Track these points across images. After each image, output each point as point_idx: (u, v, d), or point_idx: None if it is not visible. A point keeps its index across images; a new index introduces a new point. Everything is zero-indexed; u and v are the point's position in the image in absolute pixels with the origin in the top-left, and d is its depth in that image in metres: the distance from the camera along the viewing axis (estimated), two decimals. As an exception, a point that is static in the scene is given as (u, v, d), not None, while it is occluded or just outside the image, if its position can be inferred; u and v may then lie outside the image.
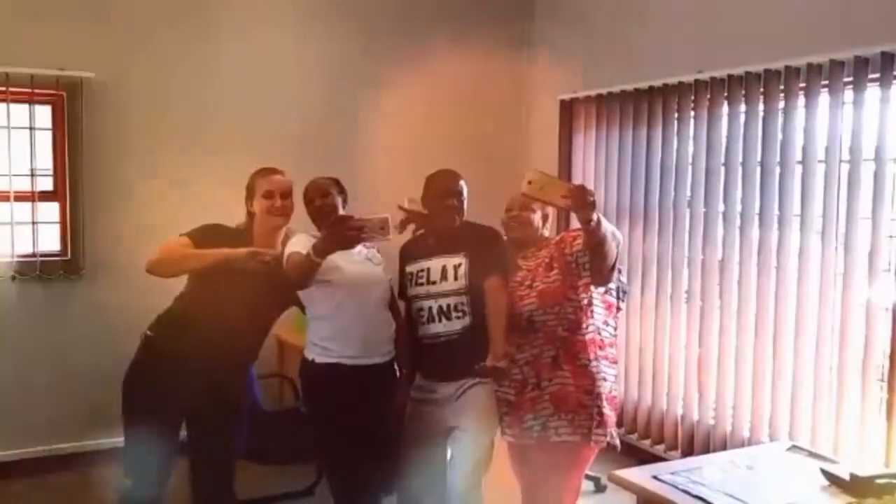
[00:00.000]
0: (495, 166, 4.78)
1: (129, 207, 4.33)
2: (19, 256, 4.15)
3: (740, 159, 3.99)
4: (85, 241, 4.27)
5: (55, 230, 4.30)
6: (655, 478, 2.56)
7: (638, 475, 2.61)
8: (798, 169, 3.74)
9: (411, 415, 2.93)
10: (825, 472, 2.55)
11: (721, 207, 4.10)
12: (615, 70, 4.70)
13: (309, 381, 2.88)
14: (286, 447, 3.57)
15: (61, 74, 4.12)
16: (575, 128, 5.05)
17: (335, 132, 4.83)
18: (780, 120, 3.81)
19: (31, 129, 4.16)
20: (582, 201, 2.37)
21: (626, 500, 2.77)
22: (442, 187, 2.88)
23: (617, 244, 2.60)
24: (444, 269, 2.84)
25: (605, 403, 2.72)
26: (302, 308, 2.94)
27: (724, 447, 3.96)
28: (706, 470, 2.65)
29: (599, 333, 2.77)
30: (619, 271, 2.81)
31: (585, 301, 2.74)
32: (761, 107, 3.90)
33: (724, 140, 4.10)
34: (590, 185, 2.87)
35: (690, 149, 4.29)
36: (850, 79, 3.49)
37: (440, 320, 2.82)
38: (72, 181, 4.23)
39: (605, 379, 2.75)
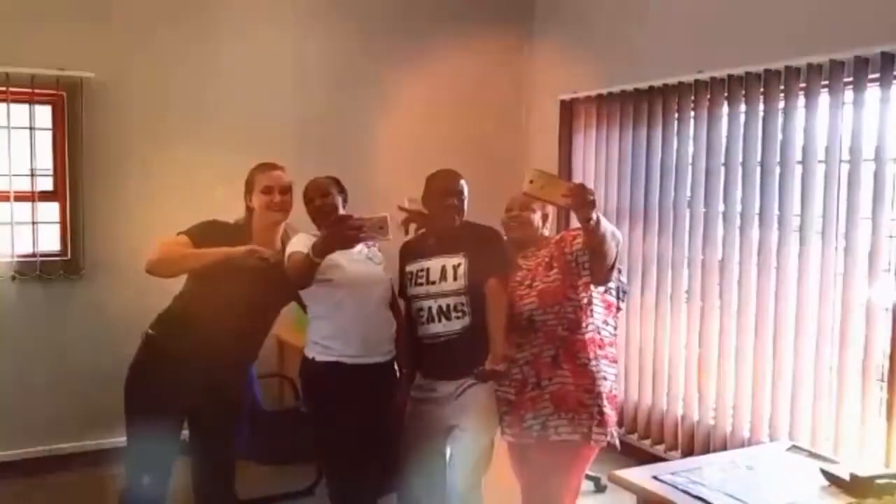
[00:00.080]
0: (495, 166, 4.77)
1: (129, 207, 4.33)
2: (19, 256, 4.15)
3: (740, 159, 3.99)
4: (85, 241, 4.27)
5: (55, 230, 4.30)
6: (655, 478, 2.56)
7: (638, 475, 2.61)
8: (798, 169, 3.74)
9: (411, 414, 2.93)
10: (825, 473, 2.55)
11: (721, 207, 4.10)
12: (615, 70, 4.70)
13: (309, 380, 2.88)
14: (286, 447, 3.58)
15: (61, 74, 4.12)
16: (575, 128, 5.05)
17: (335, 132, 4.83)
18: (780, 120, 3.81)
19: (32, 129, 4.16)
20: (582, 200, 2.37)
21: (626, 500, 2.77)
22: (442, 186, 2.88)
23: (617, 243, 2.60)
24: (443, 269, 2.84)
25: (605, 402, 2.72)
26: (302, 304, 2.95)
27: (724, 447, 3.96)
28: (706, 470, 2.64)
29: (599, 333, 2.78)
30: (619, 271, 2.81)
31: (585, 300, 2.74)
32: (761, 107, 3.89)
33: (724, 140, 4.10)
34: (590, 185, 2.87)
35: (690, 149, 4.29)
36: (850, 79, 3.49)
37: (440, 320, 2.82)
38: (72, 181, 4.23)
39: (605, 378, 2.75)
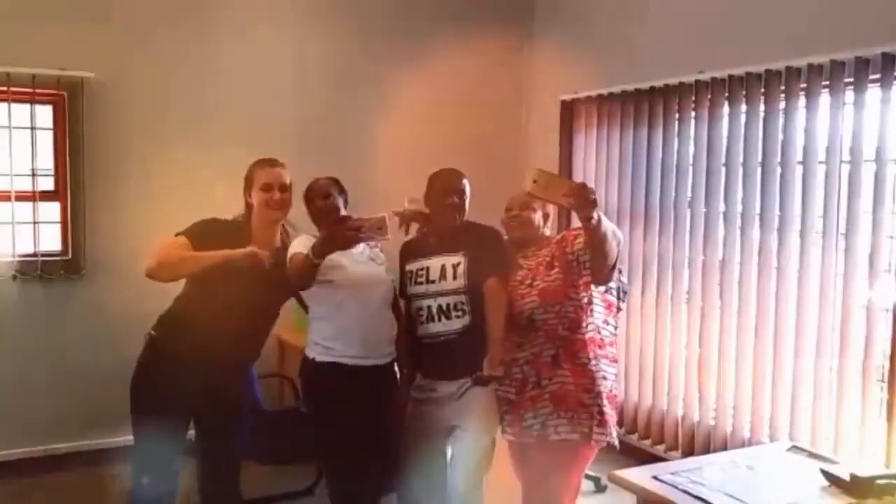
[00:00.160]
0: (495, 166, 4.77)
1: (129, 207, 4.33)
2: (20, 256, 4.15)
3: (741, 160, 3.99)
4: (86, 241, 4.27)
5: (56, 230, 4.30)
6: (656, 478, 2.56)
7: (638, 475, 2.61)
8: (799, 169, 3.74)
9: (412, 414, 2.93)
10: (825, 473, 2.55)
11: (722, 208, 4.10)
12: (616, 70, 4.70)
13: (309, 381, 2.88)
14: (286, 447, 3.57)
15: (62, 74, 4.12)
16: (575, 128, 5.05)
17: (335, 132, 4.83)
18: (780, 120, 3.81)
19: (33, 128, 4.16)
20: (583, 199, 2.37)
21: (626, 500, 2.77)
22: (445, 185, 2.88)
23: (618, 243, 2.60)
24: (443, 268, 2.84)
25: (605, 402, 2.72)
26: (303, 304, 2.95)
27: (724, 447, 3.96)
28: (706, 470, 2.64)
29: (599, 332, 2.78)
30: (620, 271, 2.81)
31: (586, 300, 2.74)
32: (762, 107, 3.89)
33: (724, 140, 4.10)
34: (591, 186, 2.86)
35: (691, 149, 4.29)
36: (851, 79, 3.49)
37: (439, 319, 2.82)
38: (73, 181, 4.23)
39: (605, 378, 2.75)
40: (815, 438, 3.61)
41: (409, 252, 2.98)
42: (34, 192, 4.17)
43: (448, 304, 2.81)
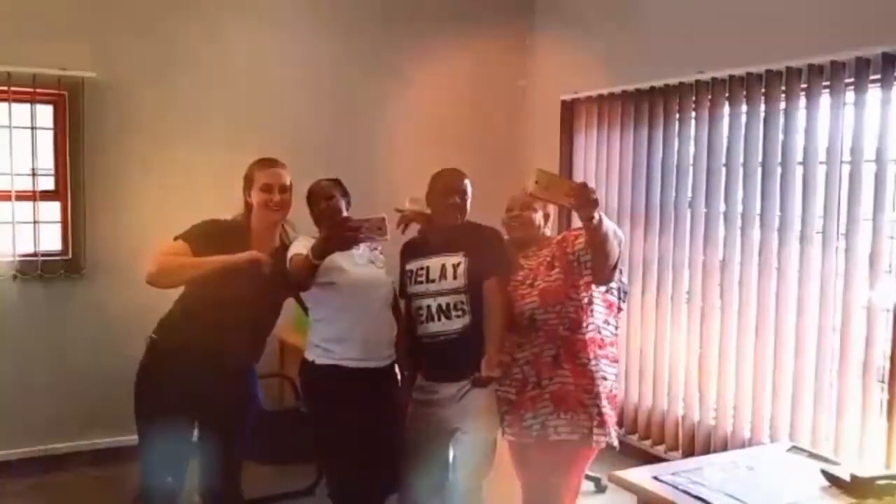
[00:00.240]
0: (496, 166, 4.77)
1: (130, 207, 4.33)
2: (20, 256, 4.15)
3: (741, 160, 3.99)
4: (86, 241, 4.27)
5: (56, 230, 4.30)
6: (656, 478, 2.55)
7: (638, 476, 2.60)
8: (799, 170, 3.74)
9: (413, 416, 2.93)
10: (826, 473, 2.55)
11: (722, 208, 4.10)
12: (616, 70, 4.70)
13: (309, 383, 2.89)
14: (286, 447, 3.57)
15: (63, 74, 4.13)
16: (576, 128, 5.05)
17: (336, 132, 4.83)
18: (781, 121, 3.81)
19: (33, 128, 4.16)
20: (584, 199, 2.37)
21: (626, 500, 2.76)
22: (447, 185, 2.89)
23: (619, 243, 2.59)
24: (443, 268, 2.84)
25: (605, 403, 2.72)
26: (303, 306, 2.94)
27: (724, 448, 3.96)
28: (707, 470, 2.64)
29: (600, 332, 2.77)
30: (620, 271, 2.81)
31: (586, 300, 2.74)
32: (762, 107, 3.90)
33: (725, 141, 4.10)
34: (591, 186, 2.86)
35: (691, 149, 4.29)
36: (852, 80, 3.49)
37: (439, 319, 2.82)
38: (73, 181, 4.23)
39: (605, 378, 2.75)
40: (815, 439, 3.61)
41: (410, 251, 2.98)
42: (34, 192, 4.17)
43: (448, 304, 2.81)
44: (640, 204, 4.55)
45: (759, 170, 3.91)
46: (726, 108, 4.09)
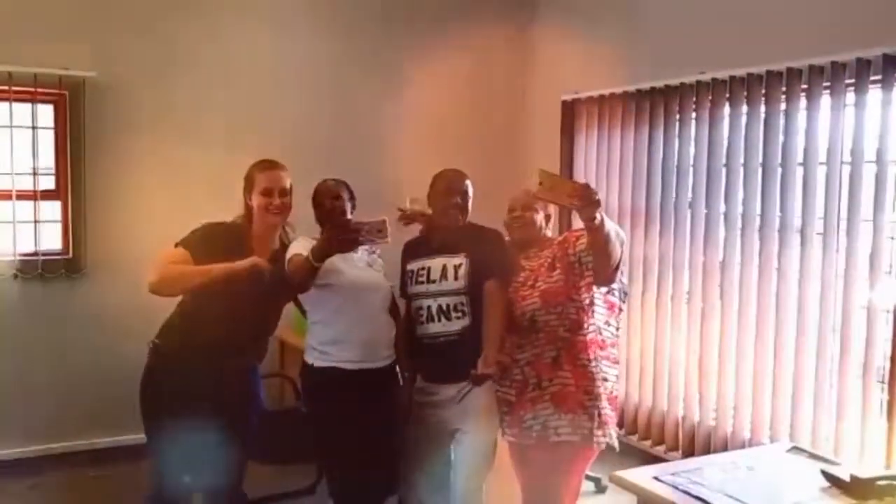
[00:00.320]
0: (496, 167, 4.77)
1: (130, 206, 4.33)
2: (21, 255, 4.16)
3: (742, 161, 3.99)
4: (87, 240, 4.28)
5: (57, 229, 4.30)
6: (656, 479, 2.55)
7: (639, 476, 2.60)
8: (799, 171, 3.74)
9: (414, 417, 2.92)
10: (826, 474, 2.55)
11: (722, 209, 4.10)
12: (617, 71, 4.70)
13: (308, 385, 2.89)
14: (287, 447, 3.57)
15: (64, 74, 4.13)
16: (577, 128, 5.05)
17: (336, 132, 4.83)
18: (781, 121, 3.81)
19: (34, 128, 4.16)
20: (587, 200, 2.37)
21: (626, 501, 2.76)
22: (447, 185, 2.88)
23: (621, 244, 2.59)
24: (444, 269, 2.84)
25: (605, 404, 2.72)
26: (302, 309, 2.94)
27: (724, 448, 3.96)
28: (707, 471, 2.64)
29: (600, 333, 2.77)
30: (621, 272, 2.81)
31: (587, 301, 2.73)
32: (763, 108, 3.90)
33: (725, 141, 4.10)
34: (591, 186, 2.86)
35: (692, 150, 4.29)
36: (852, 80, 3.49)
37: (439, 319, 2.82)
38: (73, 180, 4.24)
39: (605, 379, 2.74)
40: (815, 439, 3.61)
41: (411, 251, 2.98)
42: (35, 192, 4.18)
43: (448, 305, 2.81)
44: (641, 204, 4.55)
45: (760, 170, 3.91)
46: (727, 109, 4.09)
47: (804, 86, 3.69)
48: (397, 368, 2.92)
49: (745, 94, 3.95)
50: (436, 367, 2.87)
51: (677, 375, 4.35)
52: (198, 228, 2.82)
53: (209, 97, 4.52)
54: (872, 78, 3.42)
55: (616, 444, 2.79)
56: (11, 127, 4.10)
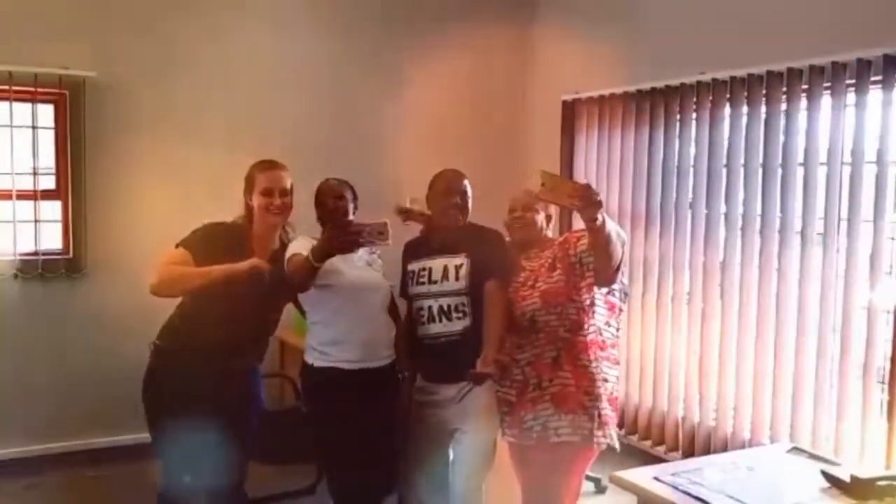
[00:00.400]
0: (496, 167, 4.78)
1: (131, 206, 4.34)
2: (21, 255, 4.16)
3: (742, 161, 3.99)
4: (87, 240, 4.28)
5: (57, 229, 4.30)
6: (656, 479, 2.55)
7: (639, 476, 2.60)
8: (800, 171, 3.74)
9: (414, 417, 2.92)
10: (826, 474, 2.55)
11: (723, 209, 4.10)
12: (617, 71, 4.70)
13: (308, 385, 2.89)
14: (287, 447, 3.57)
15: (64, 73, 4.13)
16: (577, 129, 5.05)
17: (336, 132, 4.83)
18: (782, 122, 3.81)
19: (34, 127, 4.16)
20: (588, 200, 2.37)
21: (626, 501, 2.76)
22: (446, 186, 2.88)
23: (622, 244, 2.59)
24: (445, 269, 2.84)
25: (605, 404, 2.72)
26: (301, 309, 2.94)
27: (724, 449, 3.96)
28: (707, 471, 2.64)
29: (601, 334, 2.77)
30: (622, 273, 2.81)
31: (588, 301, 2.73)
32: (763, 109, 3.90)
33: (725, 142, 4.10)
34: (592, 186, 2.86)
35: (692, 150, 4.29)
36: (853, 81, 3.49)
37: (440, 320, 2.82)
38: (74, 180, 4.24)
39: (605, 380, 2.74)
40: (815, 440, 3.61)
41: (412, 252, 2.98)
42: (35, 191, 4.18)
43: (449, 306, 2.81)
44: (641, 205, 4.55)
45: (760, 171, 3.91)
46: (727, 109, 4.09)
47: (805, 86, 3.69)
48: (396, 369, 2.92)
49: (746, 94, 3.95)
50: (436, 368, 2.87)
51: (677, 376, 4.35)
52: (198, 229, 2.83)
53: (209, 97, 4.52)
54: (873, 78, 3.42)
55: (616, 445, 2.79)
56: (11, 127, 4.10)
